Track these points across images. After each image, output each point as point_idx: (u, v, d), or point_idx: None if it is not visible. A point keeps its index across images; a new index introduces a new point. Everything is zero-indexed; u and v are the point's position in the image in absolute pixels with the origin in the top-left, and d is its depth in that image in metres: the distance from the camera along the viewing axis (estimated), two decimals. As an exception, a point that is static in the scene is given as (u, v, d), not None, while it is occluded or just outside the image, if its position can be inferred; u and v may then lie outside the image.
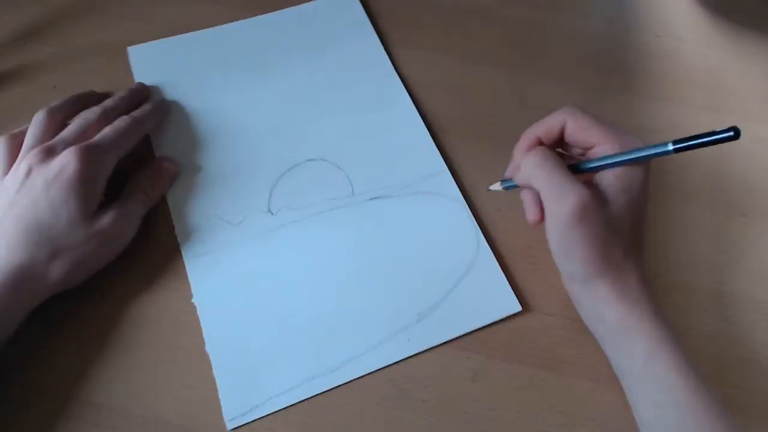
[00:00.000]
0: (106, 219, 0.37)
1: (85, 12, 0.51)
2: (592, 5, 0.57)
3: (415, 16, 0.53)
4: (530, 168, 0.35)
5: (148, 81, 0.48)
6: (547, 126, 0.37)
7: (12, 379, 0.35)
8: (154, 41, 0.50)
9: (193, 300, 0.38)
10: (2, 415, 0.34)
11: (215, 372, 0.36)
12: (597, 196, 0.33)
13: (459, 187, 0.44)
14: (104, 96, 0.45)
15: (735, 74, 0.52)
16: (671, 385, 0.31)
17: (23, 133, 0.40)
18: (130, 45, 0.49)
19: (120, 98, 0.44)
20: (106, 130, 0.40)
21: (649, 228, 0.43)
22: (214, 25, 0.51)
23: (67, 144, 0.38)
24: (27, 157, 0.37)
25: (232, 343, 0.37)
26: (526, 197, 0.38)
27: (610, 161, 0.34)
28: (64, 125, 0.41)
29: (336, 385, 0.36)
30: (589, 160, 0.35)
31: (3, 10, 0.50)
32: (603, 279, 0.33)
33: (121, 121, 0.41)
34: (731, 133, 0.30)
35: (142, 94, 0.46)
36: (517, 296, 0.39)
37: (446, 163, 0.45)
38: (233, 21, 0.51)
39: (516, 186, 0.39)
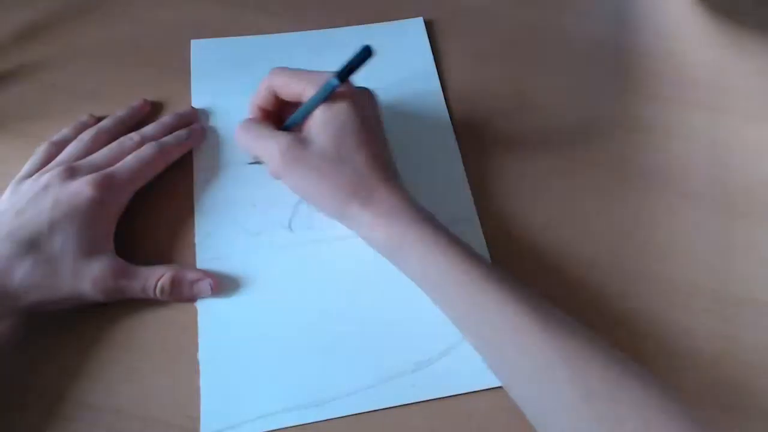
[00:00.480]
0: (99, 272, 0.35)
1: (85, 12, 0.51)
2: (593, 6, 0.57)
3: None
4: (239, 140, 0.40)
5: (203, 76, 0.47)
6: (260, 95, 0.40)
7: (9, 380, 0.35)
8: (217, 38, 0.49)
9: (195, 303, 0.38)
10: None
11: (202, 381, 0.35)
12: (304, 138, 0.36)
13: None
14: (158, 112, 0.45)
15: (735, 74, 0.52)
16: (454, 279, 0.33)
17: (64, 142, 0.41)
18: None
19: (162, 124, 0.43)
20: (129, 159, 0.39)
21: (650, 228, 0.43)
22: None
23: (94, 169, 0.38)
24: (52, 171, 0.37)
25: (225, 354, 0.36)
26: None
27: (302, 113, 0.37)
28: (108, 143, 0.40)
29: (319, 419, 0.35)
30: (289, 118, 0.39)
31: (3, 10, 0.50)
32: (353, 206, 0.35)
33: (146, 149, 0.40)
34: (366, 51, 0.35)
35: (190, 120, 0.44)
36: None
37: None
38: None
39: (259, 161, 0.42)
